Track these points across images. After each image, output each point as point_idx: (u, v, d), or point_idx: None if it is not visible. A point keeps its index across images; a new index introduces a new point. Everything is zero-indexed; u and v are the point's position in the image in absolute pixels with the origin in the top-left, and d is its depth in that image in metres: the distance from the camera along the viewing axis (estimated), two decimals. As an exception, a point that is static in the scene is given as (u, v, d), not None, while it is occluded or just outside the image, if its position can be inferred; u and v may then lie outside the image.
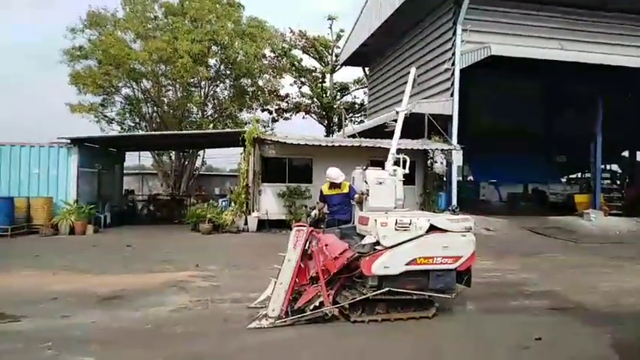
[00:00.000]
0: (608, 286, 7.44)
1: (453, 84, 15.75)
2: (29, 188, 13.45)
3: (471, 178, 26.32)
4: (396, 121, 7.61)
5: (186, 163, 23.98)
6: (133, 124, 23.47)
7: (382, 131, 16.80)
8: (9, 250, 10.32)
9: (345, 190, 7.18)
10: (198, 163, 25.49)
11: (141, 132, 22.31)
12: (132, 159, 24.24)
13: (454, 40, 15.69)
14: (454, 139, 15.44)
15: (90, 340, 4.54)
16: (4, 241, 11.52)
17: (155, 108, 23.28)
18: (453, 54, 15.75)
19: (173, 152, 23.80)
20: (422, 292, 5.23)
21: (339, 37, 29.74)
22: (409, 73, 8.17)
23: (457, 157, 15.21)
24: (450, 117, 15.68)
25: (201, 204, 15.73)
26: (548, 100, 23.48)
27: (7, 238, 11.87)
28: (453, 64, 15.74)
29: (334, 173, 7.25)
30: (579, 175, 26.47)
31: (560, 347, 4.71)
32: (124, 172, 20.59)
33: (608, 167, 26.84)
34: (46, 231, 12.47)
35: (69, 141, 13.80)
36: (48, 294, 6.26)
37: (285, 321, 5.01)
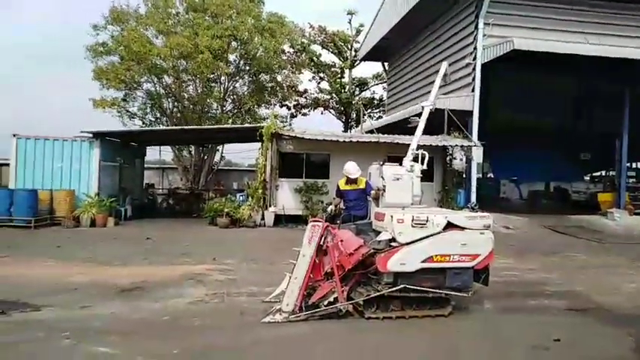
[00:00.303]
0: (632, 287, 7.26)
1: (474, 79, 15.50)
2: (52, 181, 13.78)
3: (491, 175, 25.91)
4: (419, 116, 7.53)
5: (206, 157, 24.21)
6: (154, 119, 23.79)
7: (401, 127, 16.66)
8: (32, 241, 10.59)
9: (362, 185, 7.14)
10: (217, 158, 25.72)
11: (161, 127, 22.60)
12: (153, 153, 24.54)
13: (476, 34, 15.42)
14: (474, 136, 15.20)
15: (108, 331, 4.62)
16: (27, 233, 11.83)
17: (176, 103, 23.54)
18: (475, 48, 15.48)
19: (193, 147, 24.06)
20: (438, 290, 5.17)
21: (358, 31, 29.55)
22: (439, 66, 8.10)
23: (477, 154, 14.98)
24: (471, 112, 15.44)
25: (219, 198, 15.87)
26: (573, 95, 22.91)
27: (30, 229, 12.18)
28: (475, 58, 15.48)
29: (352, 168, 7.22)
30: (603, 173, 25.82)
31: (580, 348, 4.61)
32: (145, 166, 20.93)
33: (633, 165, 26.14)
34: (68, 223, 12.75)
35: (91, 135, 14.06)
36: (69, 285, 6.40)
37: (299, 316, 5.01)
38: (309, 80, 30.97)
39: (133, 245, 10.22)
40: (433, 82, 19.70)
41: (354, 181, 7.23)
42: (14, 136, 13.81)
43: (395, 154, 13.03)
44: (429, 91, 18.53)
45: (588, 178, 25.10)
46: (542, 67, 18.07)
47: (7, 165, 14.92)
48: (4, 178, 17.50)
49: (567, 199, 22.12)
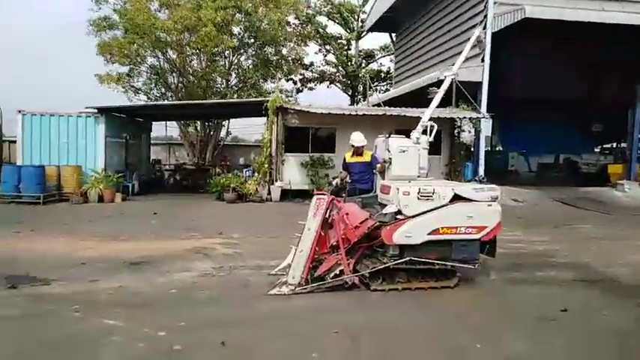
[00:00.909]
0: (640, 258, 7.19)
1: (484, 49, 15.10)
2: (59, 157, 13.82)
3: (499, 148, 25.60)
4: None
5: (212, 133, 24.13)
6: (159, 95, 23.63)
7: (408, 100, 16.40)
8: (41, 217, 10.69)
9: (367, 158, 7.05)
10: (223, 133, 25.62)
11: (166, 102, 22.47)
12: (159, 129, 24.57)
13: (486, 2, 14.95)
14: (483, 107, 14.93)
15: (116, 304, 4.67)
16: (36, 209, 11.94)
17: (180, 78, 23.32)
18: (485, 16, 14.99)
19: (199, 122, 23.96)
20: (444, 262, 5.15)
21: (365, 1, 28.84)
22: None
23: (486, 126, 14.77)
24: (480, 84, 15.13)
25: (226, 174, 15.87)
26: (585, 65, 22.34)
27: (39, 205, 12.29)
28: (485, 27, 15.04)
29: (357, 137, 7.11)
30: (614, 144, 25.40)
31: (587, 319, 4.59)
32: (152, 142, 20.93)
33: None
34: (76, 199, 12.84)
35: (96, 111, 14.01)
36: (77, 259, 6.47)
37: (305, 288, 5.02)
38: (315, 53, 30.54)
39: (140, 220, 10.29)
40: (442, 52, 19.31)
41: (360, 153, 7.12)
42: (19, 112, 13.79)
43: (402, 128, 12.88)
44: (439, 62, 18.19)
45: (598, 150, 24.72)
46: (554, 35, 17.57)
47: (15, 142, 14.97)
48: (13, 156, 17.59)
49: (577, 171, 21.84)
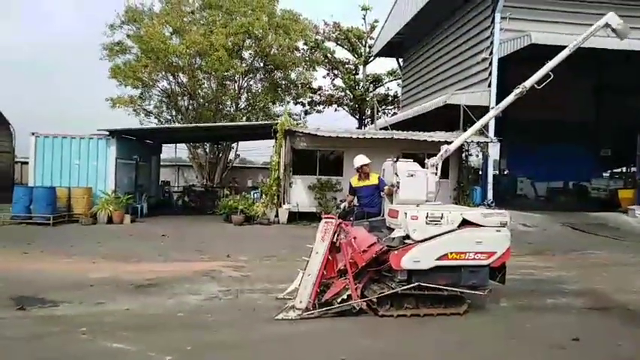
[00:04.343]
0: (654, 286, 7.06)
1: (490, 74, 15.25)
2: (70, 178, 13.97)
3: (507, 172, 25.52)
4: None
5: (220, 155, 24.36)
6: (169, 117, 24.02)
7: (415, 124, 16.49)
8: (50, 238, 10.74)
9: (375, 181, 7.06)
10: (231, 155, 25.85)
11: (176, 124, 22.79)
12: (169, 151, 24.83)
13: (492, 29, 15.17)
14: (491, 132, 14.96)
15: (123, 327, 4.66)
16: (46, 229, 12.02)
17: (191, 101, 23.71)
18: (492, 43, 15.24)
19: (208, 145, 24.22)
20: (453, 288, 5.10)
21: (372, 28, 29.31)
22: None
23: (493, 151, 14.77)
24: (487, 108, 15.18)
25: (234, 196, 15.93)
26: (593, 90, 22.41)
27: (49, 226, 12.37)
28: (491, 53, 15.24)
29: (358, 159, 7.11)
30: (624, 169, 25.20)
31: (599, 348, 4.50)
32: (161, 163, 21.13)
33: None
34: (85, 220, 12.93)
35: (107, 133, 14.23)
36: (86, 281, 6.48)
37: (312, 313, 4.99)
38: (323, 77, 30.92)
39: (148, 242, 10.32)
40: (449, 77, 19.48)
41: (367, 176, 7.14)
42: (33, 134, 14.04)
43: (409, 151, 12.94)
44: (446, 87, 18.29)
45: (608, 175, 24.54)
46: (562, 61, 17.67)
47: (27, 163, 15.19)
48: (25, 177, 17.85)
49: (586, 195, 21.65)
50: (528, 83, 6.28)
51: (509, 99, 6.33)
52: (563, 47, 13.89)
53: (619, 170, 25.30)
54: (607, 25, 6.91)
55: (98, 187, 14.02)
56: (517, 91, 6.25)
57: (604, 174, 24.31)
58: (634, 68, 16.37)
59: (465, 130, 15.06)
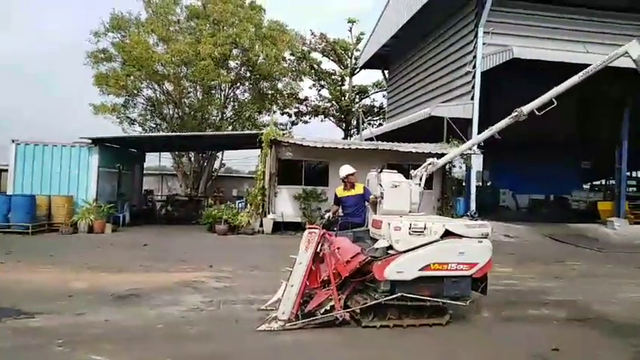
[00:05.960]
0: (632, 296, 7.19)
1: (473, 87, 15.52)
2: (51, 187, 13.71)
3: (490, 182, 25.86)
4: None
5: (205, 164, 24.20)
6: (154, 125, 23.81)
7: (400, 135, 16.63)
8: (29, 247, 10.51)
9: (360, 191, 7.05)
10: (216, 164, 25.71)
11: (161, 133, 22.61)
12: (153, 159, 24.57)
13: (475, 43, 15.47)
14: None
15: (102, 339, 4.57)
16: (24, 239, 11.77)
17: (176, 110, 23.56)
18: (474, 57, 15.52)
19: (192, 154, 24.05)
20: (436, 299, 5.12)
21: (359, 39, 29.66)
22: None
23: (476, 162, 14.97)
24: (470, 121, 15.44)
25: (219, 205, 15.82)
26: (573, 104, 22.85)
27: (27, 235, 12.12)
28: (474, 66, 15.51)
29: (344, 169, 7.11)
30: (603, 181, 25.74)
31: (578, 359, 4.55)
32: (145, 172, 20.88)
33: (634, 174, 26.05)
34: (65, 229, 12.68)
35: (90, 141, 14.05)
36: (64, 291, 6.35)
37: (295, 324, 4.96)
38: (310, 88, 31.10)
39: (129, 252, 10.17)
40: (434, 89, 19.76)
41: (352, 186, 7.15)
42: (13, 141, 13.78)
43: (394, 162, 13.04)
44: (430, 99, 18.49)
45: (588, 187, 25.03)
46: (542, 75, 18.05)
47: (7, 171, 14.88)
48: (3, 185, 17.46)
49: (567, 207, 22.04)
50: (527, 109, 6.26)
51: (505, 121, 6.39)
52: (544, 61, 14.13)
53: (599, 183, 25.85)
54: (626, 54, 6.48)
55: (80, 195, 13.81)
56: (514, 114, 6.32)
57: (584, 186, 24.79)
58: (615, 82, 16.78)
59: (448, 141, 15.36)
